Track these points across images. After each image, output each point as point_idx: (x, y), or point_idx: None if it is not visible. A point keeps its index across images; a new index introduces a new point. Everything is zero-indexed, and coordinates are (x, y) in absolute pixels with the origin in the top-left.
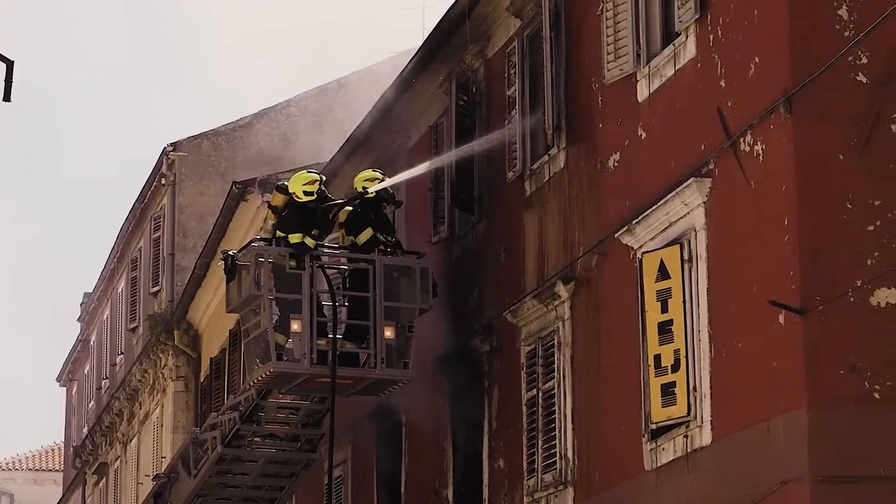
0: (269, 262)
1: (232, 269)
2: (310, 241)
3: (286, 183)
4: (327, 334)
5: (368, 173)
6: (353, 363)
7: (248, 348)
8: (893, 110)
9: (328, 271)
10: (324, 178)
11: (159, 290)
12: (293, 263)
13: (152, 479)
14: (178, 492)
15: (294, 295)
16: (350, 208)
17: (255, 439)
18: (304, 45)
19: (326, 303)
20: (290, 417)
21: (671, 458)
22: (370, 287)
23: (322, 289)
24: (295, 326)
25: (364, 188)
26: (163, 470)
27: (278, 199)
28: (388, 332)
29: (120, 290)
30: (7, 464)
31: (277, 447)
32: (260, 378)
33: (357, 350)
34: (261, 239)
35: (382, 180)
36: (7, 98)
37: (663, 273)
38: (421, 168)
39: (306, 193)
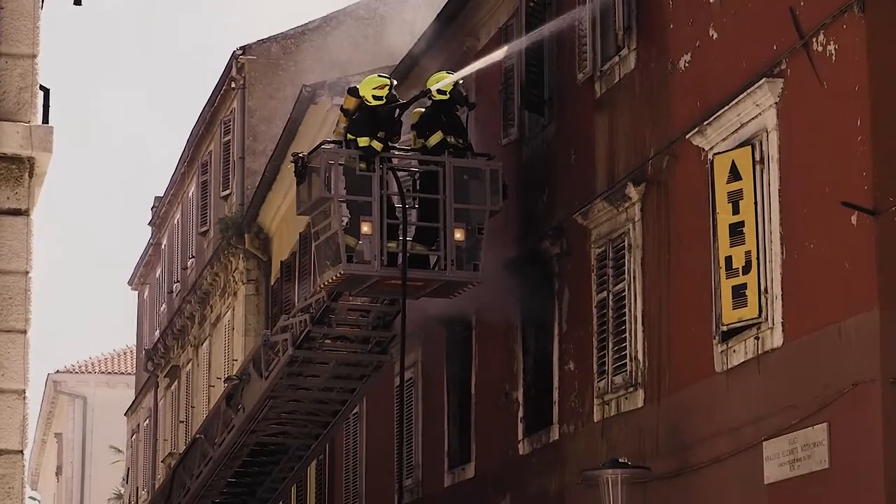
0: (340, 164)
1: (302, 172)
2: (377, 145)
3: (357, 86)
4: (397, 236)
5: (441, 75)
6: (424, 265)
7: (319, 251)
8: None
9: (398, 173)
10: (394, 82)
11: (230, 194)
12: (363, 166)
13: (224, 382)
14: (250, 394)
15: (364, 197)
16: (422, 110)
17: (326, 341)
18: None
19: (397, 205)
20: (361, 319)
21: (742, 360)
22: (440, 189)
23: (392, 191)
24: (365, 228)
25: (429, 88)
26: (234, 372)
27: (349, 102)
28: (459, 234)
29: (190, 193)
30: (80, 367)
31: (348, 349)
32: (330, 280)
33: (427, 252)
34: (331, 141)
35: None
36: (78, 2)
37: (735, 174)
38: (487, 60)
39: (375, 98)
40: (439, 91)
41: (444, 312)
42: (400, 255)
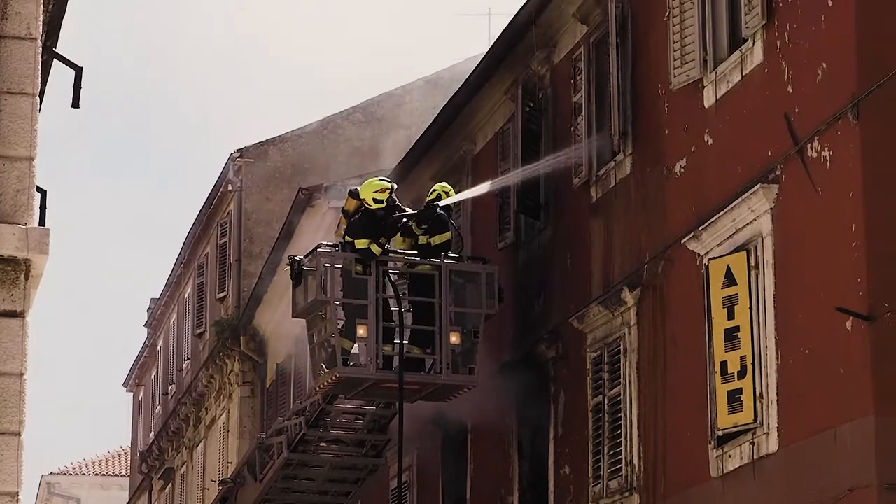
0: (336, 267)
1: (298, 275)
2: (376, 249)
3: (358, 188)
4: (393, 339)
5: (444, 184)
6: (419, 368)
7: (314, 353)
8: None
9: (392, 275)
10: (395, 186)
11: (226, 296)
12: (359, 269)
13: (218, 485)
14: (245, 497)
15: (360, 300)
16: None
17: (321, 444)
18: (369, 53)
19: (393, 308)
20: (356, 422)
21: (737, 465)
22: (436, 292)
23: (389, 294)
24: (361, 331)
25: (430, 201)
26: (229, 475)
27: (350, 204)
28: (454, 338)
29: (187, 295)
30: (74, 469)
31: (343, 452)
32: (326, 383)
33: (423, 355)
34: (328, 245)
35: (449, 193)
36: (76, 104)
37: (730, 279)
38: (489, 185)
39: (376, 201)
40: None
41: (440, 416)
42: (396, 358)
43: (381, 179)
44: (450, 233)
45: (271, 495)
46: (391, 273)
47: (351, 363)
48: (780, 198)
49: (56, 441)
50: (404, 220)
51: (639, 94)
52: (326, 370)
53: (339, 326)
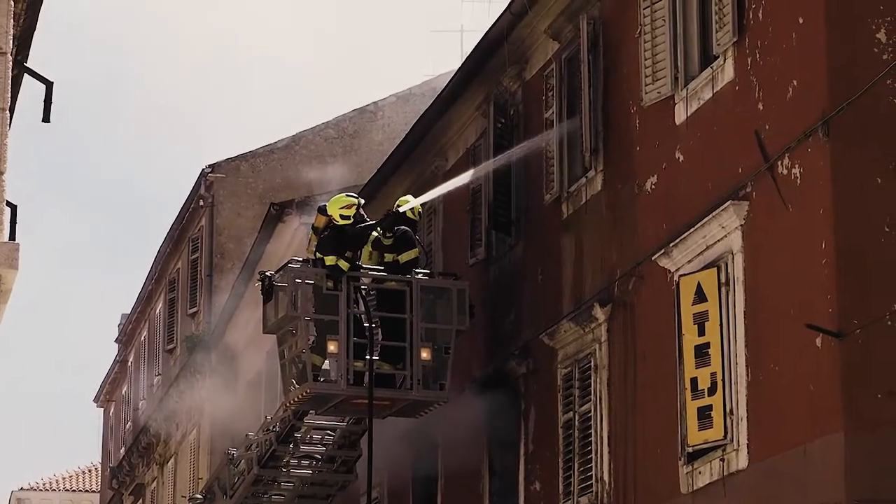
0: (307, 283)
1: (269, 290)
2: (343, 264)
3: (327, 204)
4: (364, 355)
5: (408, 197)
6: (390, 384)
7: (285, 369)
8: None
9: (362, 291)
10: (362, 201)
11: (197, 312)
12: (330, 285)
13: (189, 501)
14: None
15: (331, 316)
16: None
17: (292, 461)
18: (341, 69)
19: (364, 323)
20: (327, 439)
21: (707, 482)
22: (407, 308)
23: (360, 310)
24: (331, 347)
25: (394, 209)
26: (199, 491)
27: (319, 221)
28: (425, 354)
29: (158, 311)
30: (44, 484)
31: (314, 468)
32: (296, 399)
33: (393, 371)
34: (298, 260)
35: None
36: (46, 119)
37: (700, 296)
38: (457, 181)
39: (343, 217)
40: (413, 211)
41: (411, 432)
42: (366, 374)
43: (348, 195)
44: (417, 250)
45: None
46: (363, 289)
47: (322, 379)
48: (751, 215)
49: (26, 456)
50: (368, 229)
51: (610, 111)
52: (297, 386)
53: (310, 342)
